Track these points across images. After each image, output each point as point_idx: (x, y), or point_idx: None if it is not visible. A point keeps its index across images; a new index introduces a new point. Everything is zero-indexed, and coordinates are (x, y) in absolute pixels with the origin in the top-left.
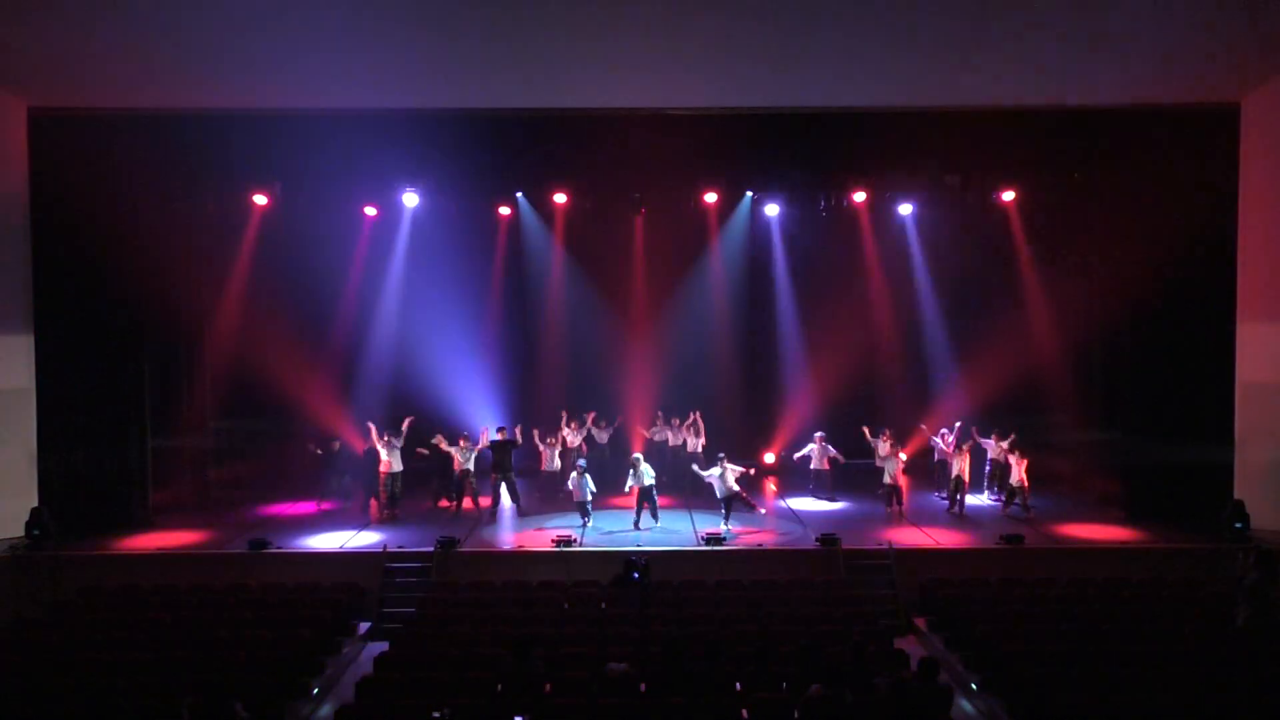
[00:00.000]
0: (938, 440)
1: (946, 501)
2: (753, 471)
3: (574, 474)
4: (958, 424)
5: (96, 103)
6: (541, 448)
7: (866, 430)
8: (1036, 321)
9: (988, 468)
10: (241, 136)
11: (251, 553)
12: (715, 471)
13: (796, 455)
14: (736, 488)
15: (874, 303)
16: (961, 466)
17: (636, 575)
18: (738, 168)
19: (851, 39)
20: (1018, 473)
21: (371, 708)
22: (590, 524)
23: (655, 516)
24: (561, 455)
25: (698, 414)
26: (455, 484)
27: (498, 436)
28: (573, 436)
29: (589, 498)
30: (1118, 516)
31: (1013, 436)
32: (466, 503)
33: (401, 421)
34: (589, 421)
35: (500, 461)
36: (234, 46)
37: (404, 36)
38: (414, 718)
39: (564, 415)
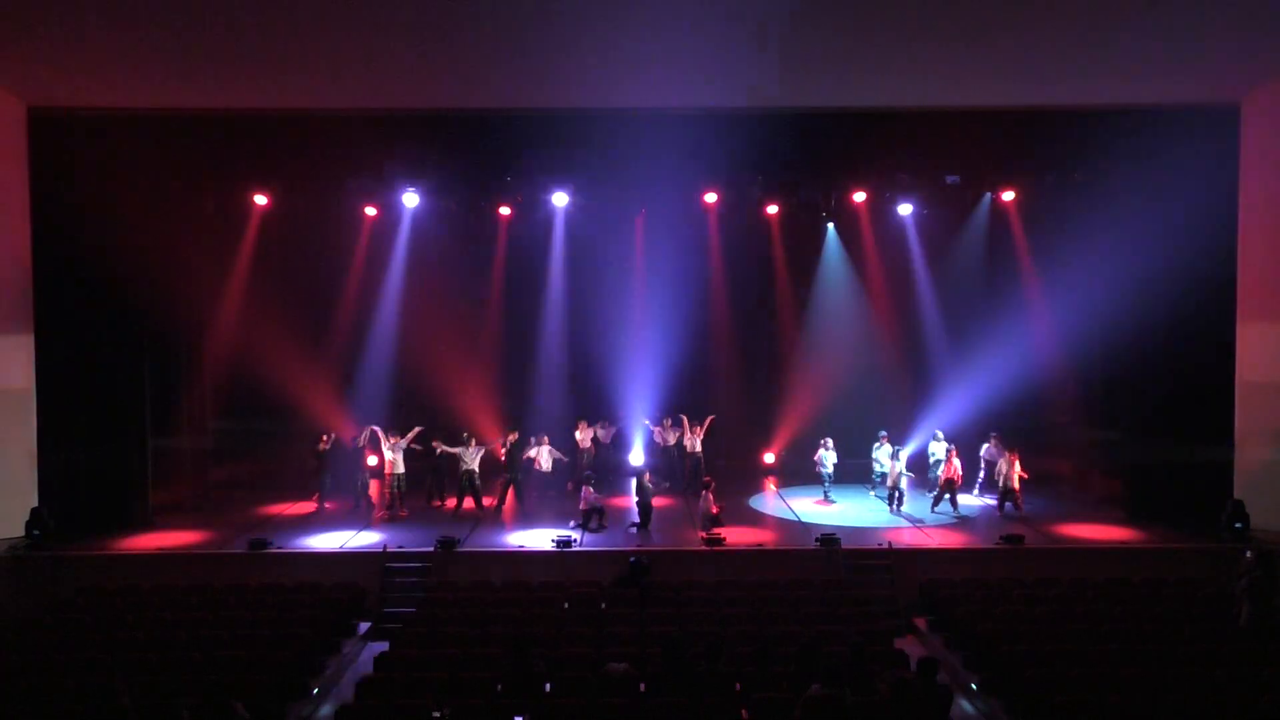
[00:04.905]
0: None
1: (933, 501)
2: (721, 513)
3: (585, 486)
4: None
5: (96, 103)
6: (536, 448)
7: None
8: (1036, 321)
9: (983, 470)
10: (242, 136)
11: (251, 553)
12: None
13: (817, 466)
14: (713, 512)
15: (874, 303)
16: (951, 473)
17: (641, 578)
18: (738, 168)
19: (852, 39)
20: (1010, 475)
21: (371, 708)
22: (603, 524)
23: (644, 526)
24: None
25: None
26: (459, 484)
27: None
28: (583, 436)
29: (598, 506)
30: (1118, 516)
31: (1012, 455)
32: (468, 502)
33: (406, 426)
34: (595, 426)
35: (512, 463)
36: (234, 46)
37: (404, 37)
38: (414, 718)
39: (589, 415)
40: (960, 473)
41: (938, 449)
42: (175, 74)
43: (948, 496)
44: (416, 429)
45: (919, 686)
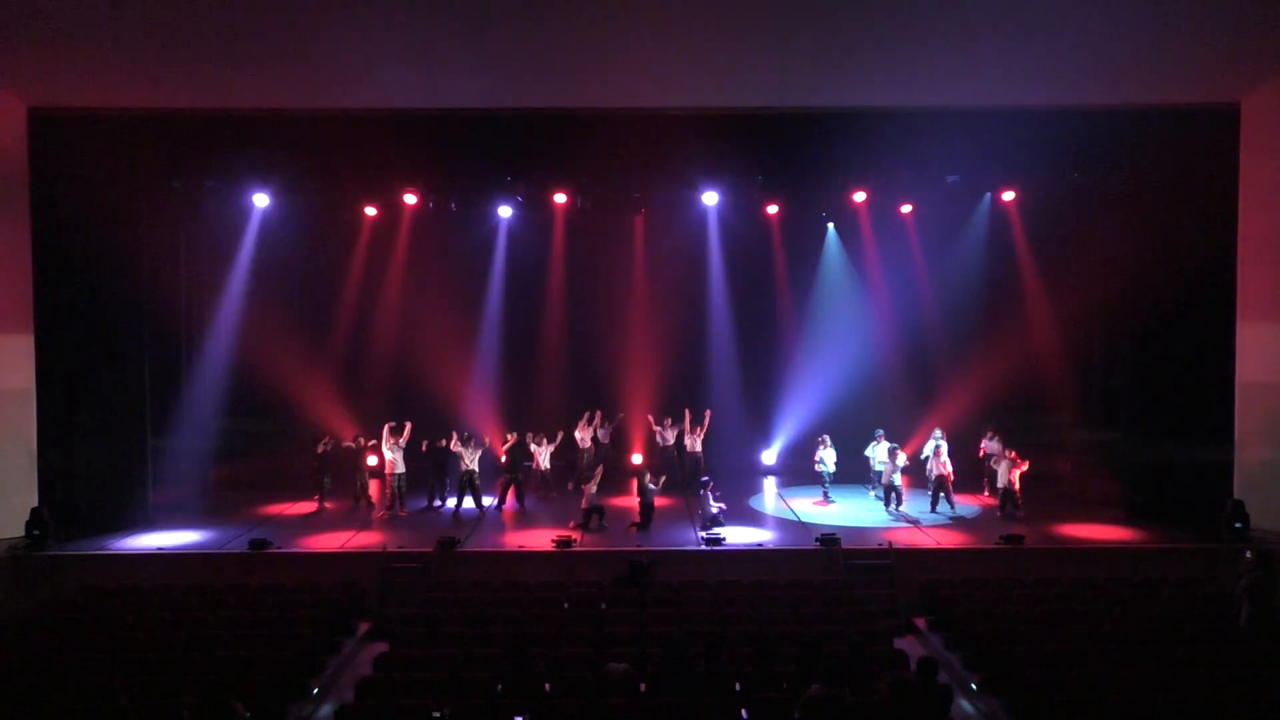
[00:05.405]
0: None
1: (930, 503)
2: (721, 512)
3: (586, 483)
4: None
5: (96, 103)
6: (534, 448)
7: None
8: (1036, 321)
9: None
10: (243, 136)
11: (251, 553)
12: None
13: (816, 464)
14: (714, 511)
15: (874, 302)
16: (940, 470)
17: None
18: (737, 168)
19: (851, 39)
20: (1008, 476)
21: (371, 708)
22: (603, 523)
23: (645, 526)
24: (554, 456)
25: (708, 414)
26: (459, 484)
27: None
28: (583, 435)
29: (598, 505)
30: (1118, 516)
31: (1011, 452)
32: (468, 502)
33: (401, 423)
34: (597, 420)
35: (513, 463)
36: (234, 46)
37: (404, 37)
38: (414, 718)
39: (588, 415)
40: (950, 468)
41: (926, 446)
42: (175, 74)
43: (943, 495)
44: (407, 425)
45: (919, 686)
